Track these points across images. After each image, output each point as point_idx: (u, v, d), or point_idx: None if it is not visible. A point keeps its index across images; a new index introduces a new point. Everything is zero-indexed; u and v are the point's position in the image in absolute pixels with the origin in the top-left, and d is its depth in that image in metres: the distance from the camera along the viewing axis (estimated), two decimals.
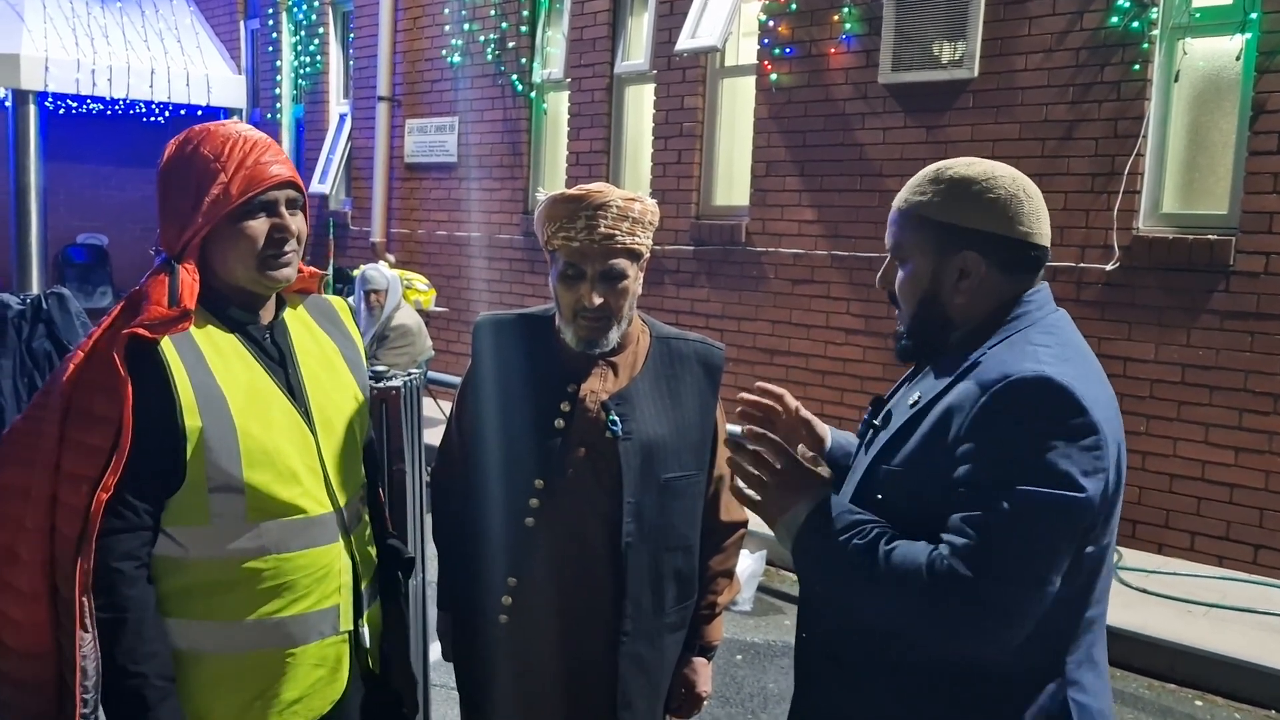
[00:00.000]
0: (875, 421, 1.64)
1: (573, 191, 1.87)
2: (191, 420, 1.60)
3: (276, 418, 1.69)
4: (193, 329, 1.66)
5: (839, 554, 1.47)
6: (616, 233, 1.84)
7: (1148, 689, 4.04)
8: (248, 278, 1.70)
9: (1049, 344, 1.50)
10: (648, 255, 1.95)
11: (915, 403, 1.55)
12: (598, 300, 1.85)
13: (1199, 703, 3.95)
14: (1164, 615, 4.37)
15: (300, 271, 1.81)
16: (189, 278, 1.65)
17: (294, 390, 1.75)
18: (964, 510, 1.40)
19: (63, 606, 1.58)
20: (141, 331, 1.59)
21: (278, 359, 1.75)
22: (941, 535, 1.41)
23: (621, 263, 1.86)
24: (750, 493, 1.57)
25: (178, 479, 1.62)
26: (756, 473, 1.55)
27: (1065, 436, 1.39)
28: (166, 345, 1.62)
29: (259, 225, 1.68)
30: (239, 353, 1.71)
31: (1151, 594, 4.59)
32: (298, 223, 1.72)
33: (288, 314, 1.83)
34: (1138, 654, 4.18)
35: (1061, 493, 1.37)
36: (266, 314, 1.78)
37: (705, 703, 2.11)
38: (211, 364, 1.65)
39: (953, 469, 1.44)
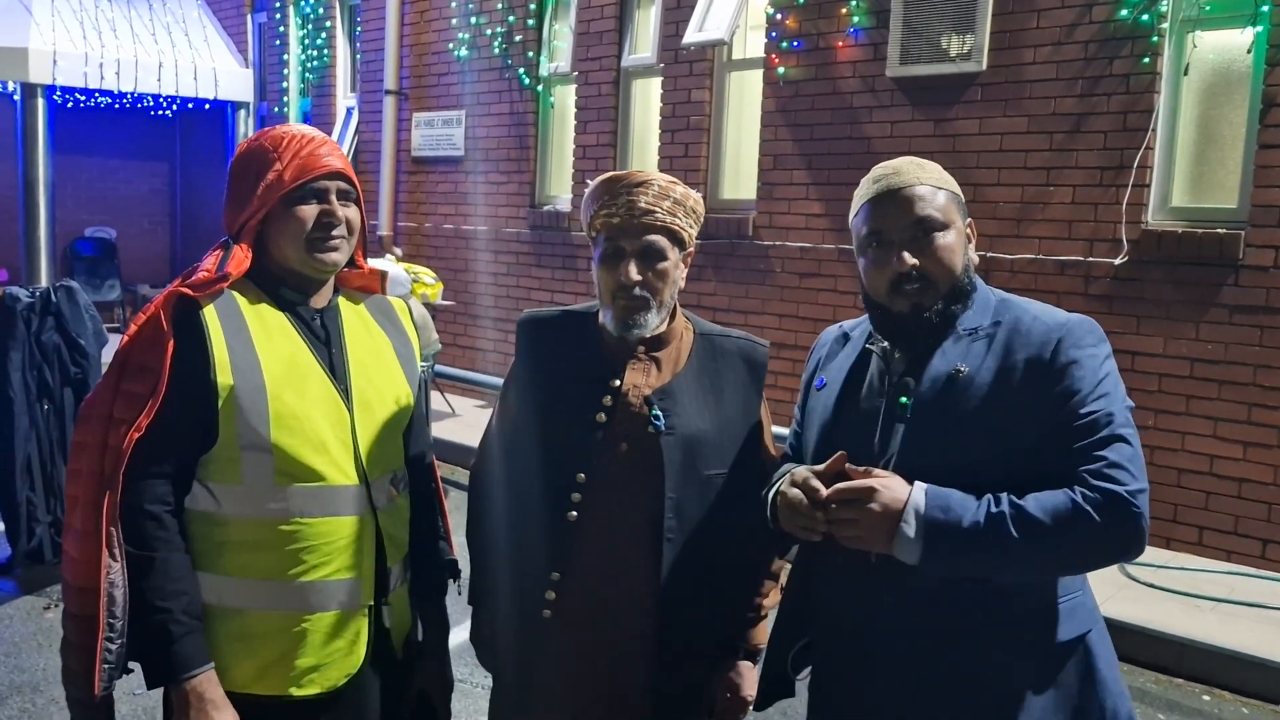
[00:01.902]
0: (911, 403, 1.68)
1: (616, 172, 1.90)
2: (224, 378, 1.73)
3: (312, 390, 1.80)
4: (242, 304, 1.80)
5: (981, 533, 1.53)
6: (657, 210, 1.85)
7: (1155, 683, 4.04)
8: (298, 259, 1.83)
9: (1039, 302, 1.74)
10: (691, 249, 1.94)
11: (958, 373, 1.64)
12: (635, 275, 1.84)
13: (1206, 697, 3.95)
14: (1172, 610, 4.37)
15: (361, 268, 1.97)
16: (240, 253, 1.81)
17: (335, 370, 1.86)
18: (1089, 437, 1.54)
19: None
20: (185, 290, 1.75)
21: (324, 339, 1.87)
22: (1089, 470, 1.52)
23: (660, 240, 1.86)
24: (851, 535, 1.60)
25: (212, 435, 1.75)
26: (846, 519, 1.59)
27: (1112, 360, 1.64)
28: (210, 312, 1.76)
29: (309, 210, 1.81)
30: (284, 329, 1.83)
31: (1159, 589, 4.58)
32: (348, 212, 1.86)
33: (347, 307, 1.95)
34: (1146, 648, 4.18)
35: (1130, 402, 1.62)
36: (320, 299, 1.90)
37: (750, 707, 2.04)
38: (254, 334, 1.79)
39: (1059, 414, 1.57)
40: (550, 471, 1.91)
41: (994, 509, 1.53)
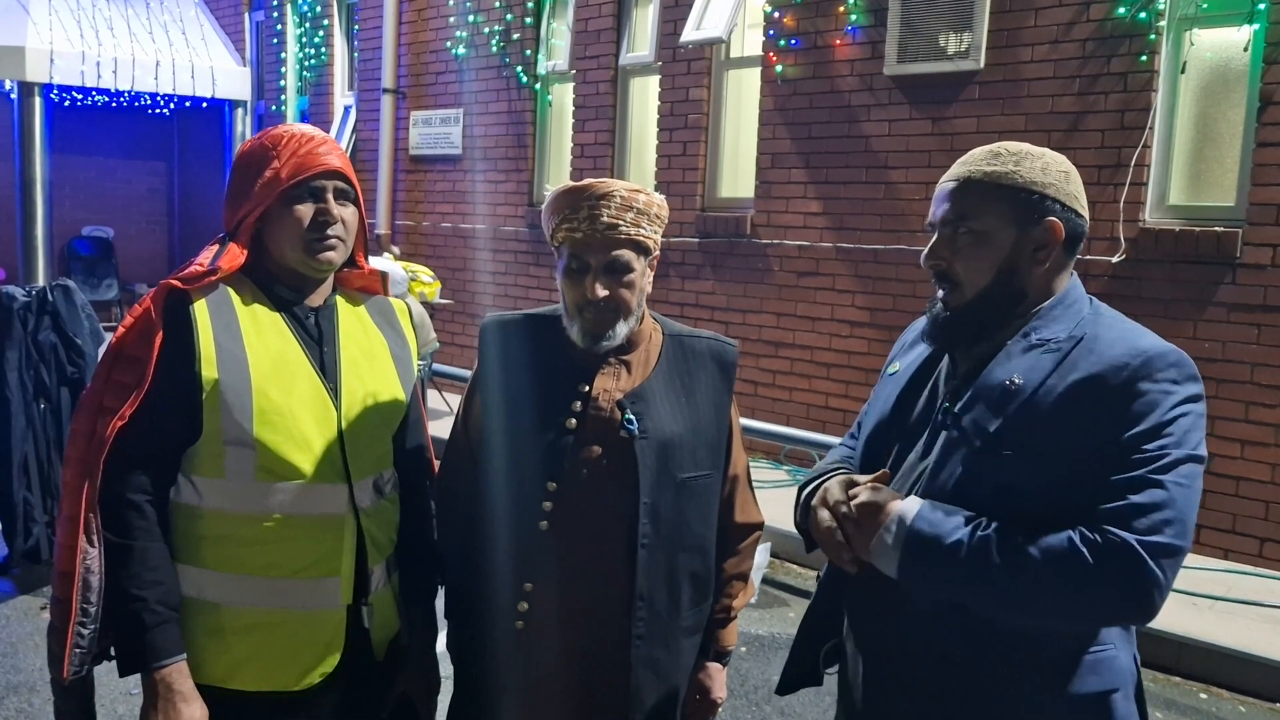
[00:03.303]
0: (956, 410, 1.56)
1: (576, 183, 1.86)
2: (209, 372, 1.73)
3: (300, 388, 1.80)
4: (236, 301, 1.81)
5: (963, 553, 1.43)
6: (620, 223, 1.81)
7: (1153, 682, 4.04)
8: (295, 258, 1.83)
9: (1136, 324, 1.56)
10: (657, 253, 1.91)
11: (1011, 384, 1.50)
12: (602, 292, 1.81)
13: (1204, 695, 3.95)
14: (1169, 608, 4.36)
15: (361, 268, 1.97)
16: (235, 249, 1.82)
17: (326, 369, 1.86)
18: (1135, 484, 1.39)
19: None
20: (175, 283, 1.76)
21: (316, 338, 1.87)
22: (1106, 508, 1.39)
23: (626, 254, 1.82)
24: (838, 539, 1.55)
25: (197, 428, 1.75)
26: (840, 517, 1.54)
27: (1197, 406, 1.46)
28: (200, 306, 1.77)
29: (305, 209, 1.81)
30: (277, 326, 1.83)
31: None
32: (345, 212, 1.85)
33: (344, 307, 1.95)
34: (1143, 647, 4.13)
35: (1203, 455, 1.44)
36: (317, 298, 1.90)
37: (720, 709, 2.06)
38: (244, 330, 1.79)
39: (1105, 445, 1.42)
40: (520, 480, 1.87)
41: (982, 530, 1.43)
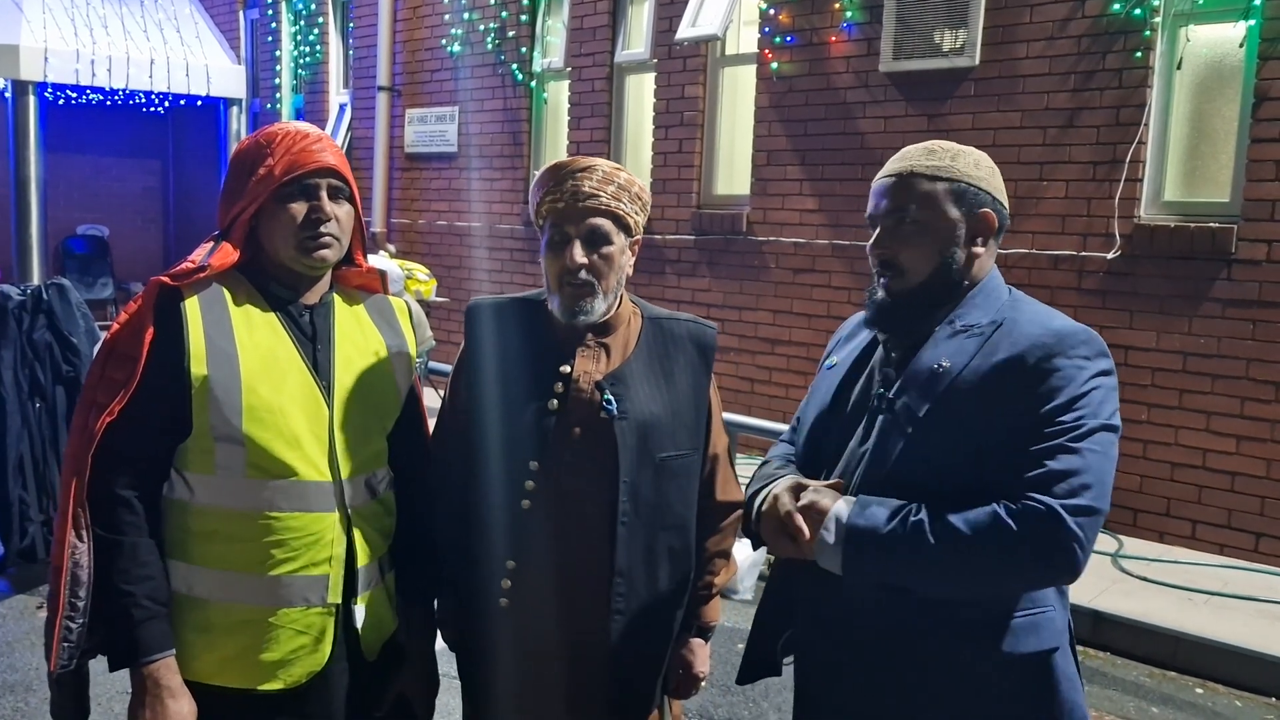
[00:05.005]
0: (890, 395, 1.66)
1: (560, 160, 1.92)
2: (198, 368, 1.74)
3: (291, 385, 1.80)
4: (230, 299, 1.81)
5: (899, 539, 1.52)
6: (600, 194, 1.87)
7: (1149, 677, 4.05)
8: (289, 256, 1.83)
9: (1049, 309, 1.66)
10: (638, 236, 1.96)
11: (939, 368, 1.60)
12: (580, 259, 1.86)
13: (1200, 690, 3.96)
14: (1165, 603, 4.38)
15: (359, 266, 1.97)
16: (228, 247, 1.82)
17: (319, 367, 1.86)
18: (1051, 452, 1.48)
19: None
20: (166, 280, 1.77)
21: (311, 336, 1.87)
22: (1027, 477, 1.48)
23: (605, 224, 1.88)
24: (786, 541, 1.64)
25: (187, 424, 1.76)
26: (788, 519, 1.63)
27: (1108, 379, 1.57)
28: (192, 303, 1.77)
29: (298, 207, 1.81)
30: (270, 324, 1.83)
31: (1153, 582, 4.59)
32: (340, 210, 1.85)
33: (341, 305, 1.95)
34: (1139, 642, 4.19)
35: (1116, 425, 1.54)
36: (312, 296, 1.90)
37: (702, 682, 2.12)
38: (235, 327, 1.79)
39: (1023, 419, 1.52)
40: (503, 460, 1.93)
41: (914, 516, 1.52)
